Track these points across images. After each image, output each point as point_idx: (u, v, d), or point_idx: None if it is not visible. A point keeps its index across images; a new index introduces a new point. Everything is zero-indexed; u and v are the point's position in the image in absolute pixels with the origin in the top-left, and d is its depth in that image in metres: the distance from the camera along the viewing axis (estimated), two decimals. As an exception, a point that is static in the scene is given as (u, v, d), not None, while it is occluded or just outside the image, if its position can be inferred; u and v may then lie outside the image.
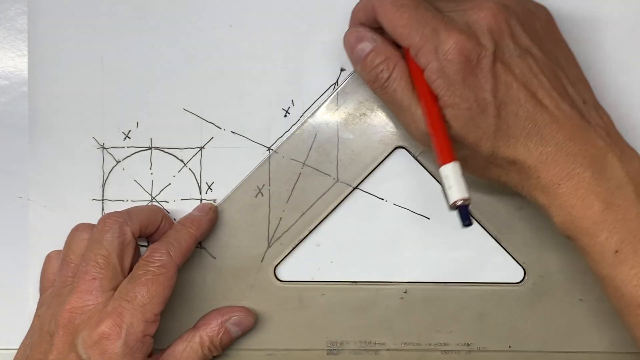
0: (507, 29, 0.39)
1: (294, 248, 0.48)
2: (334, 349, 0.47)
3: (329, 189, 0.47)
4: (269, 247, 0.47)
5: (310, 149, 0.47)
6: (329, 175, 0.47)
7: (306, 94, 0.47)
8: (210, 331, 0.45)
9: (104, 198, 0.48)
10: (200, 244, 0.47)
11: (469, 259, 0.47)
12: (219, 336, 0.45)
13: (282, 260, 0.47)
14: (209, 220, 0.46)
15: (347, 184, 0.47)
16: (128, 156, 0.48)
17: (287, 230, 0.47)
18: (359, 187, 0.47)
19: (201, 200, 0.48)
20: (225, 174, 0.48)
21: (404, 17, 0.39)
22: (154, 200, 0.48)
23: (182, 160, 0.48)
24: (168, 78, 0.48)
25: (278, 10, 0.48)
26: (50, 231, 0.48)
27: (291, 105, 0.47)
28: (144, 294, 0.41)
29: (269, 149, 0.47)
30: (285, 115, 0.48)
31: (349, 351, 0.47)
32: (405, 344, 0.47)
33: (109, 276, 0.42)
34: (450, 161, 0.37)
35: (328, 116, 0.47)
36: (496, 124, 0.38)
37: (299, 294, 0.47)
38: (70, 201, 0.48)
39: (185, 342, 0.44)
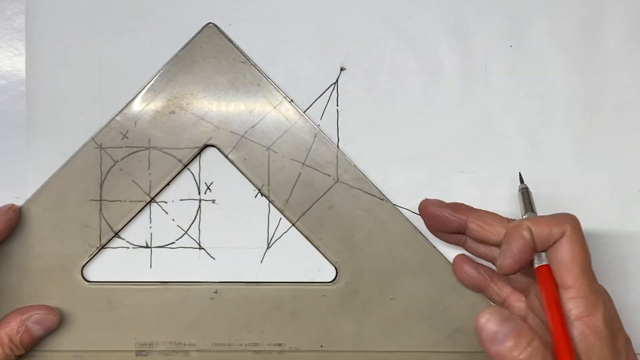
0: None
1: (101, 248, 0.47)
2: (143, 350, 0.46)
3: (329, 189, 0.47)
4: (268, 247, 0.47)
5: (309, 149, 0.47)
6: (329, 176, 0.47)
7: (306, 94, 0.47)
8: (9, 330, 0.44)
9: (102, 198, 0.47)
10: (199, 245, 0.47)
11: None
12: (19, 335, 0.44)
13: (89, 261, 0.47)
14: (7, 220, 0.45)
15: (348, 185, 0.47)
16: (126, 156, 0.47)
17: (286, 231, 0.47)
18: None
19: (200, 200, 0.47)
20: (224, 174, 0.47)
21: (586, 259, 0.39)
22: (152, 200, 0.48)
23: (180, 160, 0.47)
24: (167, 77, 0.47)
25: (277, 9, 0.47)
26: (48, 232, 0.47)
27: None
28: None
29: (268, 148, 0.47)
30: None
31: (159, 352, 0.46)
32: (215, 344, 0.46)
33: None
34: None
35: (327, 116, 0.47)
36: None
37: (107, 295, 0.47)
38: (68, 202, 0.47)
39: None
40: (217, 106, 0.47)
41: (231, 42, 0.46)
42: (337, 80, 0.47)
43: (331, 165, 0.47)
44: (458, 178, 0.47)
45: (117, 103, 0.47)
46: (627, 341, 0.40)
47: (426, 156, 0.47)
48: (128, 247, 0.47)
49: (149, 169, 0.47)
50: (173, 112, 0.46)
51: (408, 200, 0.47)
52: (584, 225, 0.44)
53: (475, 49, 0.47)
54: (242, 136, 0.47)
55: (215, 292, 0.47)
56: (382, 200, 0.47)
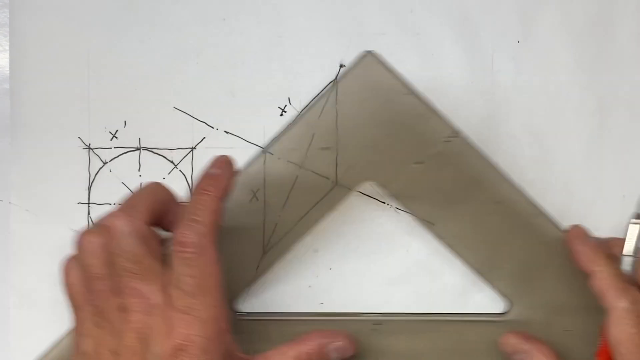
0: None
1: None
2: None
3: (328, 192, 0.46)
4: (264, 254, 0.46)
5: (307, 150, 0.46)
6: (328, 179, 0.46)
7: (303, 92, 0.47)
8: (309, 349, 0.41)
9: (90, 201, 0.47)
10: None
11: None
12: (317, 357, 0.42)
13: None
14: (230, 176, 0.41)
15: (347, 187, 0.46)
16: (115, 157, 0.47)
17: (283, 237, 0.46)
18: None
19: None
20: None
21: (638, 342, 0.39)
22: None
23: (172, 162, 0.47)
24: (157, 75, 0.47)
25: (273, 3, 0.47)
26: (34, 236, 0.47)
27: (287, 104, 0.47)
28: (194, 293, 0.37)
29: (264, 150, 0.46)
30: (282, 114, 0.47)
31: None
32: None
33: (153, 279, 0.38)
34: None
35: (326, 115, 0.46)
36: None
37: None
38: (55, 205, 0.47)
39: (281, 354, 0.41)
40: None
41: None
42: (336, 78, 0.46)
43: (330, 168, 0.46)
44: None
45: (105, 102, 0.47)
46: None
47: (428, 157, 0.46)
48: None
49: (139, 170, 0.47)
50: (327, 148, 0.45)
51: (410, 204, 0.46)
52: (595, 228, 0.44)
53: (481, 45, 0.47)
54: (239, 137, 0.47)
55: (379, 324, 0.45)
56: (384, 204, 0.46)
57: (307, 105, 0.47)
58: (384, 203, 0.46)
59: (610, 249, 0.42)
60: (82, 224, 0.46)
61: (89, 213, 0.47)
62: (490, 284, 0.45)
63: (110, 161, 0.47)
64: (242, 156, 0.46)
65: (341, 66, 0.47)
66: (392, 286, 0.47)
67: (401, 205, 0.45)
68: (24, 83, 0.47)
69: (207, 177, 0.40)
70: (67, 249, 0.44)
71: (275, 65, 0.47)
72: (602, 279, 0.40)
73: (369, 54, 0.44)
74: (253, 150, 0.46)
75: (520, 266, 0.45)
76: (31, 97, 0.47)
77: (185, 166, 0.47)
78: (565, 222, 0.46)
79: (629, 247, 0.42)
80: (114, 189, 0.47)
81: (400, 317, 0.45)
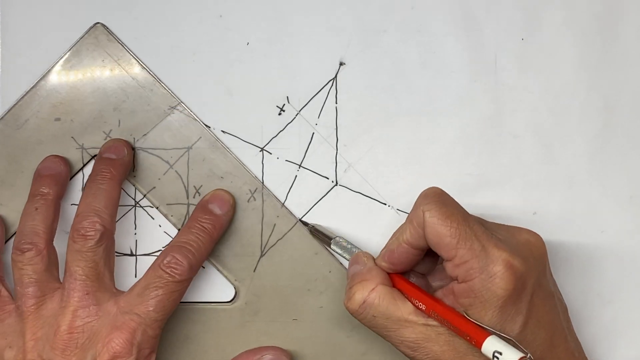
0: (547, 265, 0.41)
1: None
2: None
3: (327, 192, 0.46)
4: (262, 255, 0.46)
5: (306, 150, 0.46)
6: (327, 178, 0.46)
7: (302, 91, 0.47)
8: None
9: None
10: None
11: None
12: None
13: None
14: (228, 221, 0.45)
15: (347, 188, 0.46)
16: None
17: (281, 238, 0.46)
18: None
19: (188, 205, 0.46)
20: (214, 176, 0.46)
21: (452, 226, 0.39)
22: (137, 205, 0.47)
23: (167, 162, 0.46)
24: (153, 72, 0.47)
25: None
26: None
27: (286, 103, 0.47)
28: (158, 309, 0.41)
29: (262, 149, 0.46)
30: (280, 113, 0.47)
31: None
32: None
33: (103, 287, 0.42)
34: (486, 337, 0.37)
35: (325, 114, 0.46)
36: None
37: None
38: (66, 205, 0.46)
39: None
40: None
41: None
42: (336, 76, 0.46)
43: (329, 167, 0.46)
44: (465, 181, 0.46)
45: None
46: (550, 308, 0.40)
47: (431, 157, 0.47)
48: None
49: (133, 171, 0.46)
50: (58, 119, 0.46)
51: (412, 205, 0.44)
52: (600, 230, 0.44)
53: (485, 43, 0.47)
54: (236, 137, 0.46)
55: None
56: (384, 204, 0.46)
57: (306, 104, 0.46)
58: (385, 204, 0.46)
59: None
60: None
61: None
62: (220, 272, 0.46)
63: None
64: (239, 156, 0.46)
65: (341, 64, 0.46)
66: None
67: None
68: (15, 81, 0.46)
69: (212, 217, 0.44)
70: (61, 251, 0.45)
71: (273, 63, 0.46)
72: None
73: (98, 24, 0.45)
74: (251, 150, 0.46)
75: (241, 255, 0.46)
76: (18, 97, 0.46)
77: (181, 167, 0.46)
78: (571, 224, 0.46)
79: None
80: None
81: None
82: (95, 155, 0.45)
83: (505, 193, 0.46)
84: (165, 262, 0.41)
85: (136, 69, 0.46)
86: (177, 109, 0.46)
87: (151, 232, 0.46)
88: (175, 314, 0.44)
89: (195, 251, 0.42)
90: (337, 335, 0.45)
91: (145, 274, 0.42)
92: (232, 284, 0.45)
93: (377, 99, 0.46)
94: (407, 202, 0.46)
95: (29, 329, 0.41)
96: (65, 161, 0.45)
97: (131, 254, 0.46)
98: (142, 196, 0.46)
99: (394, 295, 0.40)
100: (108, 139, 0.45)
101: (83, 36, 0.45)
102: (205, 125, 0.46)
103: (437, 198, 0.40)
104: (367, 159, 0.46)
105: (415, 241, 0.40)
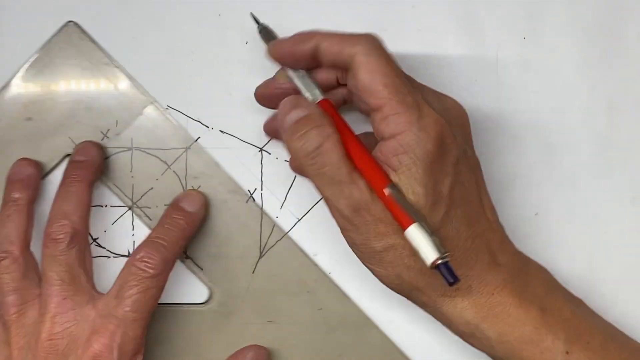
0: (470, 134, 0.41)
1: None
2: None
3: None
4: (261, 256, 0.46)
5: None
6: None
7: None
8: None
9: None
10: (185, 254, 0.46)
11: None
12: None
13: None
14: (202, 219, 0.45)
15: None
16: (107, 157, 0.46)
17: (280, 239, 0.46)
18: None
19: None
20: (212, 177, 0.46)
21: (389, 74, 0.37)
22: (135, 206, 0.46)
23: (165, 162, 0.46)
24: (151, 73, 0.47)
25: None
26: None
27: None
28: (135, 308, 0.40)
29: (261, 149, 0.46)
30: None
31: None
32: None
33: (80, 290, 0.41)
34: (410, 224, 0.36)
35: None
36: (442, 223, 0.37)
37: None
38: (45, 207, 0.45)
39: None
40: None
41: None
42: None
43: None
44: None
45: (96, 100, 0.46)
46: (470, 167, 0.39)
47: None
48: (109, 257, 0.46)
49: (131, 171, 0.46)
50: (30, 119, 0.45)
51: None
52: (603, 232, 0.44)
53: (486, 41, 0.47)
54: (235, 137, 0.46)
55: None
56: None
57: None
58: None
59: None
60: None
61: None
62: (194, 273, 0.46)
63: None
64: (238, 156, 0.46)
65: None
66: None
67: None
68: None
69: (182, 213, 0.44)
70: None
71: (272, 62, 0.45)
72: (331, 42, 0.38)
73: (70, 23, 0.45)
74: (249, 150, 0.46)
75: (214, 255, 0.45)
76: None
77: (179, 167, 0.46)
78: (573, 225, 0.46)
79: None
80: (105, 191, 0.46)
81: None
82: (68, 155, 0.45)
83: (507, 194, 0.46)
84: (137, 257, 0.41)
85: (109, 68, 0.46)
86: (153, 108, 0.46)
87: (149, 233, 0.45)
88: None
89: (168, 244, 0.42)
90: (313, 337, 0.45)
91: (119, 273, 0.42)
92: (207, 285, 0.45)
93: (377, 99, 0.46)
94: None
95: (13, 338, 0.41)
96: (35, 163, 0.45)
97: (129, 255, 0.46)
98: (140, 196, 0.46)
99: (344, 150, 0.37)
100: (81, 138, 0.45)
101: (55, 35, 0.45)
102: (204, 125, 0.46)
103: (377, 44, 0.38)
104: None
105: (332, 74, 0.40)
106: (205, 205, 0.45)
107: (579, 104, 0.46)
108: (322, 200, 0.46)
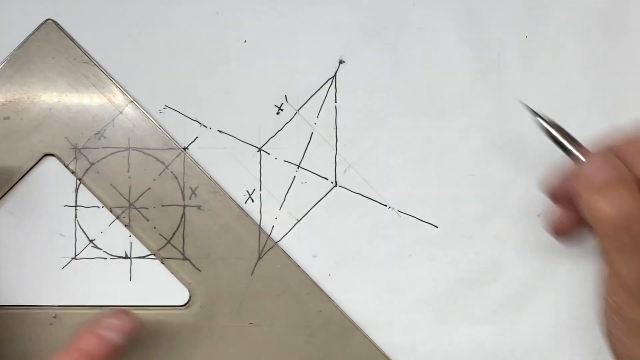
0: None
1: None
2: None
3: (327, 194, 0.46)
4: (259, 258, 0.46)
5: (305, 150, 0.46)
6: (327, 179, 0.46)
7: (301, 89, 0.47)
8: (85, 345, 0.40)
9: (77, 204, 0.46)
10: (183, 255, 0.46)
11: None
12: (96, 349, 0.41)
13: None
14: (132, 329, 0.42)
15: (347, 189, 0.46)
16: (103, 157, 0.46)
17: (279, 240, 0.46)
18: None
19: (184, 207, 0.46)
20: (211, 177, 0.46)
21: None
22: (131, 206, 0.46)
23: (163, 163, 0.46)
24: (148, 71, 0.47)
25: None
26: (17, 241, 0.46)
27: (284, 102, 0.47)
28: None
29: (259, 149, 0.46)
30: (278, 113, 0.47)
31: None
32: None
33: None
34: None
35: (324, 113, 0.46)
36: None
37: None
38: (40, 208, 0.46)
39: None
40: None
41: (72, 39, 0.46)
42: (335, 75, 0.46)
43: (329, 168, 0.46)
44: (468, 182, 0.46)
45: (93, 99, 0.46)
46: None
47: (433, 158, 0.47)
48: (105, 258, 0.46)
49: (128, 171, 0.46)
50: (7, 118, 0.45)
51: (413, 207, 0.46)
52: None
53: (488, 40, 0.46)
54: (234, 137, 0.46)
55: (55, 317, 0.45)
56: (385, 206, 0.46)
57: (305, 103, 0.46)
58: (386, 206, 0.46)
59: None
60: (68, 228, 0.46)
61: (76, 216, 0.46)
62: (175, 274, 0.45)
63: (98, 162, 0.46)
64: (236, 156, 0.46)
65: (340, 62, 0.46)
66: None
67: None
68: None
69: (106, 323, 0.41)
70: (53, 254, 0.45)
71: (271, 62, 0.46)
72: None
73: (49, 20, 0.45)
74: (248, 150, 0.46)
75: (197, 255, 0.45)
76: None
77: (177, 167, 0.46)
78: None
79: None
80: (102, 192, 0.46)
81: (77, 310, 0.45)
82: (46, 154, 0.45)
83: (509, 194, 0.46)
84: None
85: (88, 67, 0.45)
86: (133, 107, 0.46)
87: (146, 234, 0.46)
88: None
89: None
90: (295, 340, 0.45)
91: None
92: (187, 287, 0.45)
93: (378, 98, 0.46)
94: (409, 203, 0.46)
95: None
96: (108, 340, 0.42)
97: (126, 257, 0.46)
98: (137, 197, 0.46)
99: None
100: (57, 137, 0.45)
101: (33, 33, 0.45)
102: (202, 125, 0.46)
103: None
104: (367, 160, 0.46)
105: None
106: (134, 320, 0.43)
107: (582, 103, 0.46)
108: (322, 201, 0.46)
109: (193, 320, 0.45)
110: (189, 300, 0.45)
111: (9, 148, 0.45)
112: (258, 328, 0.45)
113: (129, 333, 0.41)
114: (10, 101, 0.45)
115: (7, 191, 0.45)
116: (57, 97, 0.45)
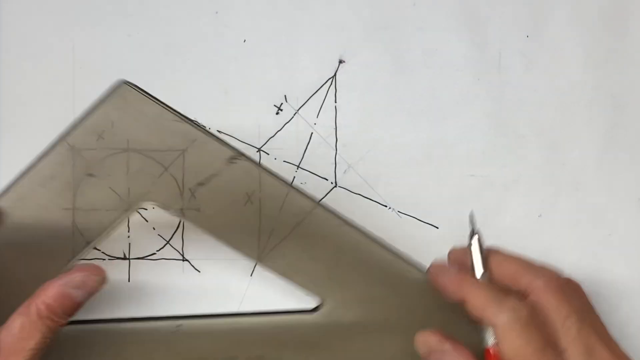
0: None
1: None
2: None
3: (327, 194, 0.46)
4: (259, 261, 0.45)
5: (304, 151, 0.46)
6: (326, 180, 0.46)
7: (300, 89, 0.47)
8: (47, 299, 0.40)
9: (75, 207, 0.46)
10: (183, 256, 0.46)
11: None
12: (58, 303, 0.40)
13: None
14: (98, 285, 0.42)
15: (347, 189, 0.46)
16: (102, 159, 0.46)
17: (279, 242, 0.45)
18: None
19: (183, 208, 0.45)
20: (210, 178, 0.45)
21: (532, 355, 0.37)
22: (130, 208, 0.45)
23: (162, 164, 0.46)
24: (146, 71, 0.47)
25: None
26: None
27: (284, 102, 0.47)
28: None
29: (259, 149, 0.46)
30: (277, 113, 0.47)
31: None
32: None
33: None
34: None
35: (324, 113, 0.47)
36: None
37: None
38: (38, 210, 0.45)
39: (22, 315, 0.40)
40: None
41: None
42: (335, 74, 0.47)
43: (329, 168, 0.46)
44: (469, 182, 0.46)
45: (91, 100, 0.46)
46: None
47: (434, 158, 0.46)
48: (104, 259, 0.47)
49: (127, 173, 0.46)
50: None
51: (414, 207, 0.46)
52: (607, 233, 0.45)
53: (488, 40, 0.47)
54: (233, 137, 0.46)
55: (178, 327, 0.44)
56: (385, 207, 0.46)
57: (305, 103, 0.46)
58: (386, 207, 0.46)
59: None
60: (66, 230, 0.45)
61: (73, 219, 0.46)
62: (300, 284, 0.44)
63: (96, 163, 0.45)
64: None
65: (340, 62, 0.46)
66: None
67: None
68: (5, 80, 0.47)
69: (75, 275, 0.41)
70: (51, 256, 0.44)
71: (270, 61, 0.46)
72: (475, 301, 0.38)
73: (123, 84, 0.43)
74: (247, 151, 0.46)
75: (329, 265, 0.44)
76: (13, 95, 0.47)
77: (176, 169, 0.45)
78: (577, 227, 0.46)
79: (479, 268, 0.40)
80: (100, 194, 0.45)
81: (202, 320, 0.44)
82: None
83: (510, 194, 0.46)
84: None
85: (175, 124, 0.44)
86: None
87: (145, 235, 0.46)
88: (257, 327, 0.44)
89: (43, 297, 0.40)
90: None
91: None
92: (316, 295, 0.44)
93: (378, 98, 0.46)
94: (409, 204, 0.46)
95: None
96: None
97: (124, 258, 0.46)
98: (136, 199, 0.45)
99: None
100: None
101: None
102: (201, 126, 0.46)
103: (521, 315, 0.38)
104: (367, 160, 0.46)
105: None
106: (104, 277, 0.42)
107: (584, 103, 0.46)
108: (321, 202, 0.45)
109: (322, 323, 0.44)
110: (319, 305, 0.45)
111: (155, 141, 0.44)
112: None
113: (94, 291, 0.41)
114: None
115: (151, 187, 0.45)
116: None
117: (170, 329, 0.44)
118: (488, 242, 0.46)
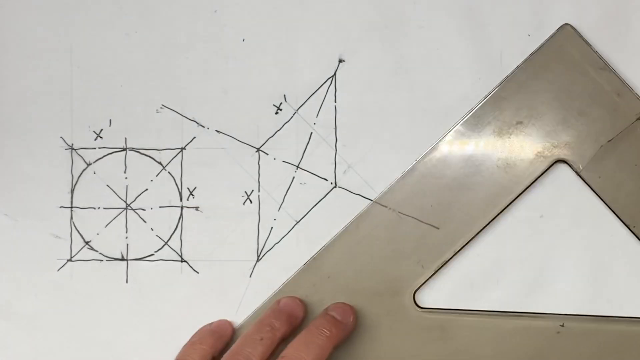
0: None
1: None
2: None
3: (326, 195, 0.46)
4: (258, 260, 0.46)
5: (304, 151, 0.46)
6: (326, 180, 0.46)
7: (300, 89, 0.47)
8: (209, 347, 0.44)
9: (73, 205, 0.47)
10: (181, 257, 0.46)
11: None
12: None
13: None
14: (351, 330, 0.44)
15: (347, 190, 0.46)
16: (100, 158, 0.47)
17: (279, 242, 0.46)
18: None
19: (182, 208, 0.46)
20: (208, 178, 0.47)
21: None
22: (128, 207, 0.47)
23: (160, 163, 0.47)
24: (145, 70, 0.47)
25: None
26: (12, 243, 0.47)
27: (283, 101, 0.47)
28: None
29: (258, 150, 0.46)
30: (277, 112, 0.47)
31: None
32: None
33: None
34: None
35: (323, 113, 0.46)
36: None
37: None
38: (35, 209, 0.47)
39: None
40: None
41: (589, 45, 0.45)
42: (335, 74, 0.46)
43: (328, 168, 0.46)
44: (468, 182, 0.46)
45: (89, 99, 0.47)
46: None
47: (434, 158, 0.46)
48: (101, 260, 0.47)
49: (125, 172, 0.46)
50: (521, 123, 0.45)
51: (414, 208, 0.46)
52: (609, 234, 0.44)
53: (490, 39, 0.46)
54: (232, 137, 0.46)
55: (562, 326, 0.44)
56: (385, 207, 0.46)
57: (304, 103, 0.46)
58: (386, 207, 0.46)
59: None
60: (64, 229, 0.46)
61: (71, 218, 0.47)
62: None
63: (94, 162, 0.47)
64: (235, 157, 0.46)
65: (340, 61, 0.46)
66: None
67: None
68: (3, 79, 0.47)
69: (328, 319, 0.43)
70: (48, 255, 0.46)
71: (270, 60, 0.46)
72: None
73: (566, 25, 0.44)
74: (246, 151, 0.46)
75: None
76: (11, 94, 0.47)
77: (174, 168, 0.46)
78: (578, 227, 0.45)
79: None
80: (98, 192, 0.47)
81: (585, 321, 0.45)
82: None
83: (509, 194, 0.45)
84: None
85: (604, 74, 0.45)
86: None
87: (143, 236, 0.46)
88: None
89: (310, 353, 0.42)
90: None
91: None
92: None
93: (378, 98, 0.46)
94: (409, 204, 0.46)
95: None
96: (304, 308, 0.45)
97: (122, 259, 0.46)
98: (134, 198, 0.46)
99: None
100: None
101: (549, 38, 0.45)
102: (199, 125, 0.46)
103: None
104: (367, 160, 0.46)
105: None
106: (354, 314, 0.45)
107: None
108: (321, 202, 0.46)
109: None
110: None
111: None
112: None
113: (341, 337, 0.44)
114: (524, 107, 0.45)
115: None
116: (569, 104, 0.45)
117: (555, 327, 0.45)
118: (488, 244, 0.46)
